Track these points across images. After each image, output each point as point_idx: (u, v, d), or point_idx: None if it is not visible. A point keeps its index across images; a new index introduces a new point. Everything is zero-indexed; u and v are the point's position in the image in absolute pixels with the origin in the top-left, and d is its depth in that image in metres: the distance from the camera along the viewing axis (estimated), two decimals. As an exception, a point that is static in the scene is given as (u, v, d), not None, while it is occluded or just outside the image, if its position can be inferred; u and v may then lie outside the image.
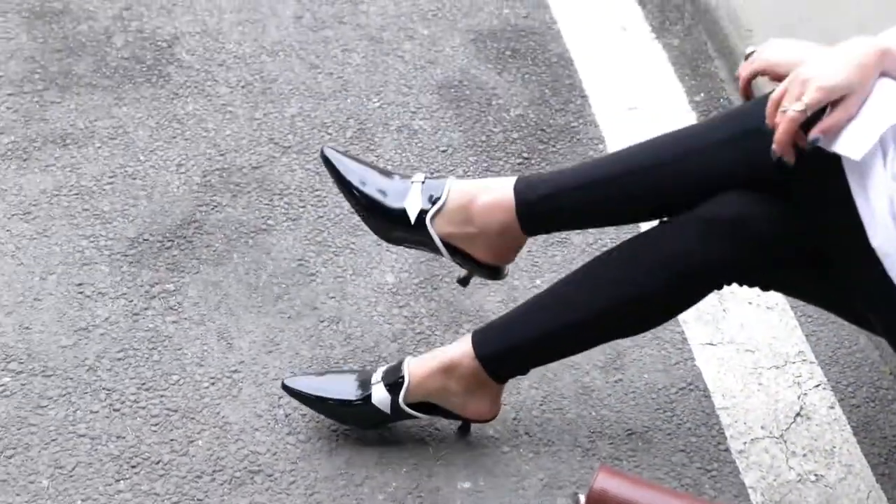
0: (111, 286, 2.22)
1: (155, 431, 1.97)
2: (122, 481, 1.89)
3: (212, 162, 2.52)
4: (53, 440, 1.94)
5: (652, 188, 1.78)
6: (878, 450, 2.00)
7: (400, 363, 1.92)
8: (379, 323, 2.18)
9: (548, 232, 1.89)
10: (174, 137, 2.58)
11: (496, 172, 2.52)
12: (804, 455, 1.98)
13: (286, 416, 2.00)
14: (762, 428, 2.02)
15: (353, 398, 1.93)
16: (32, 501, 1.85)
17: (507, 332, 1.88)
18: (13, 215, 2.37)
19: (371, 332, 2.16)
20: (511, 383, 2.00)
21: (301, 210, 2.41)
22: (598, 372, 2.10)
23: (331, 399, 1.94)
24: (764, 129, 1.61)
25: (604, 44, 2.94)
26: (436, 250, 1.86)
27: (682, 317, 2.15)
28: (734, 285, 1.79)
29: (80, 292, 2.21)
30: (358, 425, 1.97)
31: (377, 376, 1.93)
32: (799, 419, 2.04)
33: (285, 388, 1.96)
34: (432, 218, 1.83)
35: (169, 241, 2.33)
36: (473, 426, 1.99)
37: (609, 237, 2.36)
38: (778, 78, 1.66)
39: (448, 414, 1.93)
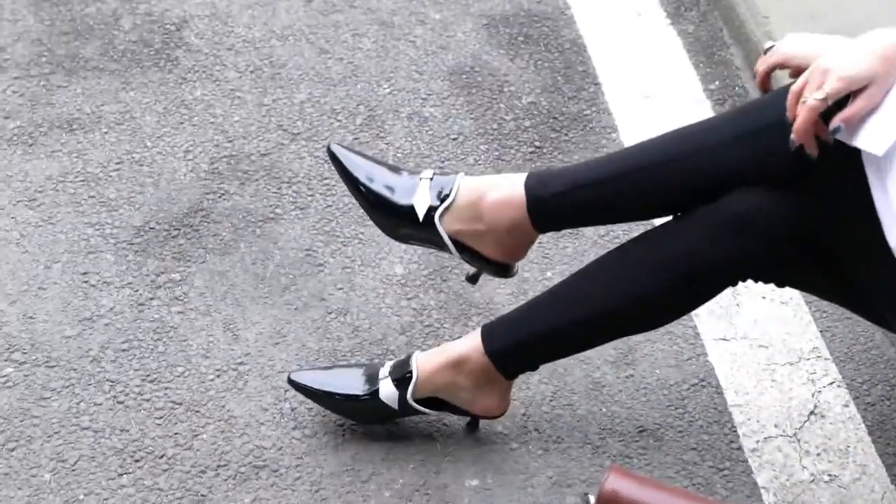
0: (116, 275, 2.20)
1: (159, 425, 1.94)
2: (125, 475, 1.86)
3: (219, 149, 2.49)
4: (56, 433, 1.92)
5: (664, 185, 1.75)
6: (893, 449, 1.96)
7: (408, 358, 1.90)
8: (387, 315, 2.15)
9: (559, 229, 1.86)
10: (182, 123, 2.55)
11: (507, 161, 2.49)
12: (818, 454, 1.95)
13: (292, 409, 1.97)
14: (775, 426, 1.99)
15: (361, 393, 1.90)
16: (34, 496, 1.83)
17: (516, 328, 1.85)
18: (18, 202, 2.34)
19: (379, 325, 2.13)
20: (520, 378, 1.98)
21: (309, 199, 2.38)
22: (608, 367, 2.07)
23: (338, 394, 1.91)
24: (781, 124, 1.58)
25: (618, 30, 2.89)
26: (444, 248, 1.83)
27: (694, 311, 2.12)
28: (749, 280, 1.76)
29: (85, 281, 2.18)
30: (365, 421, 1.94)
31: (385, 371, 1.90)
32: (813, 417, 2.00)
33: (291, 382, 1.93)
34: (441, 215, 1.80)
35: (175, 229, 2.30)
36: (482, 422, 1.96)
37: (622, 229, 2.32)
38: (797, 72, 1.63)
39: (456, 410, 1.91)
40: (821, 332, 2.15)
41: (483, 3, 2.93)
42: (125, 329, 2.09)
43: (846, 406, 2.02)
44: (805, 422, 2.00)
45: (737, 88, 2.71)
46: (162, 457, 1.89)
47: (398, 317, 2.15)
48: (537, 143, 2.54)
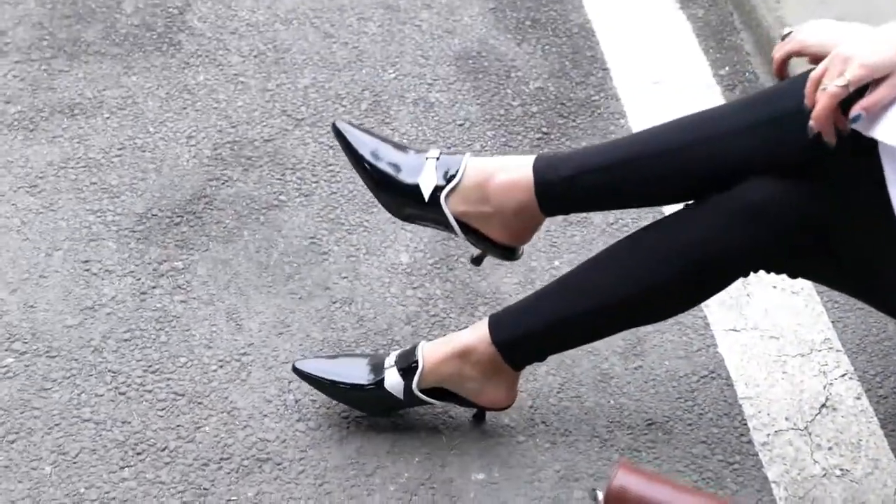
0: (118, 263, 2.17)
1: (161, 416, 1.91)
2: (126, 468, 1.84)
3: (223, 134, 2.46)
4: (57, 425, 1.89)
5: (677, 171, 1.72)
6: (905, 443, 1.94)
7: (414, 347, 1.87)
8: (392, 305, 2.12)
9: (567, 213, 1.83)
10: (184, 108, 2.52)
11: (514, 147, 2.45)
12: (829, 448, 1.92)
13: (296, 401, 1.94)
14: (786, 419, 1.96)
15: (366, 382, 1.88)
16: (34, 489, 1.80)
17: (524, 318, 1.82)
18: (19, 188, 2.31)
19: (384, 314, 2.10)
20: (528, 369, 1.95)
21: (314, 185, 2.35)
22: (617, 358, 2.04)
23: (342, 383, 1.88)
24: (798, 112, 1.56)
25: (626, 14, 2.85)
26: (449, 229, 1.80)
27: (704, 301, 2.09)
28: (760, 271, 1.73)
29: (87, 270, 2.15)
30: (370, 411, 1.92)
31: (390, 360, 1.88)
32: (824, 410, 1.97)
33: (296, 370, 1.90)
34: (447, 196, 1.77)
35: (178, 216, 2.27)
36: (488, 414, 1.93)
37: (630, 217, 2.29)
38: (816, 59, 1.60)
39: (462, 401, 1.88)
40: (832, 322, 2.12)
41: (490, -13, 2.89)
42: (127, 318, 2.07)
43: (858, 398, 1.99)
44: (816, 415, 1.97)
45: (747, 74, 2.67)
46: (164, 449, 1.87)
47: (403, 306, 2.12)
48: (545, 129, 2.51)
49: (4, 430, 1.88)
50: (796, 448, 1.92)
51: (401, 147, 1.83)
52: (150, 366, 1.99)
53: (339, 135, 1.84)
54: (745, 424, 1.95)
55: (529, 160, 1.77)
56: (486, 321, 1.84)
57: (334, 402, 1.92)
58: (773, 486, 1.86)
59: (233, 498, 1.80)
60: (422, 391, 1.86)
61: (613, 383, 2.01)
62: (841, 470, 1.89)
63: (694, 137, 1.70)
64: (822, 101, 1.51)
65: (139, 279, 2.14)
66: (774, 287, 2.16)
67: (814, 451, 1.91)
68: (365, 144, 1.82)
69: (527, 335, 1.81)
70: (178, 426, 1.90)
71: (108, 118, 2.48)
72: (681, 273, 1.71)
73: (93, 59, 2.63)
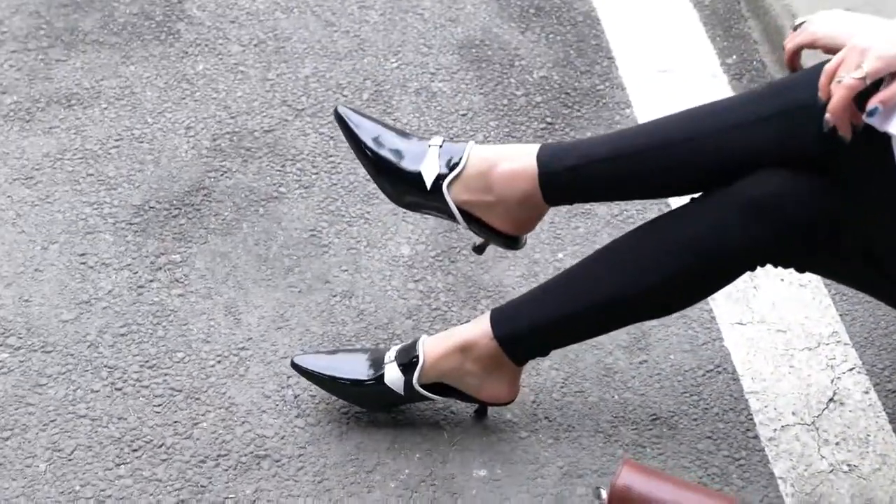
0: (115, 256, 2.14)
1: (158, 413, 1.89)
2: (122, 466, 1.81)
3: (222, 125, 2.42)
4: (52, 421, 1.87)
5: (683, 163, 1.69)
6: (915, 439, 1.91)
7: (414, 342, 1.84)
8: (393, 298, 2.09)
9: (571, 203, 1.80)
10: (183, 98, 2.48)
11: (518, 138, 2.42)
12: (837, 443, 1.88)
13: (295, 397, 1.91)
14: (793, 414, 1.92)
15: (365, 378, 1.85)
16: (29, 486, 1.78)
17: (527, 312, 1.79)
18: (15, 180, 2.28)
19: (385, 308, 2.07)
20: (530, 364, 1.92)
21: (314, 177, 2.32)
22: (621, 352, 2.01)
23: (342, 378, 1.85)
24: (810, 105, 1.53)
25: (632, 2, 2.81)
26: (451, 217, 1.78)
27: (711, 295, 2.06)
28: (768, 265, 1.70)
29: (83, 263, 2.12)
30: (369, 406, 1.89)
31: (390, 355, 1.85)
32: (832, 405, 1.94)
33: (294, 366, 1.88)
34: (449, 184, 1.75)
35: (176, 209, 2.24)
36: (490, 409, 1.90)
37: (636, 208, 2.26)
38: (831, 51, 1.56)
39: (464, 396, 1.85)
40: (840, 315, 2.08)
41: (493, -26, 2.86)
42: (124, 313, 2.04)
43: (866, 393, 1.96)
44: (824, 409, 1.93)
45: (755, 63, 2.63)
46: (161, 446, 1.84)
47: (404, 300, 2.09)
48: (549, 119, 2.47)
49: (-1, 427, 1.86)
50: (803, 443, 1.88)
51: (403, 134, 1.80)
52: (146, 361, 1.96)
53: (340, 120, 1.81)
54: (752, 419, 1.92)
55: (533, 149, 1.74)
56: (487, 315, 1.81)
57: (334, 397, 1.89)
58: (779, 482, 1.83)
59: (231, 496, 1.78)
60: (422, 386, 1.83)
61: (618, 378, 1.97)
62: (848, 465, 1.85)
63: (702, 129, 1.67)
64: (838, 94, 1.47)
65: (136, 273, 2.11)
66: (782, 280, 2.13)
67: (821, 447, 1.88)
68: (367, 130, 1.80)
69: (530, 330, 1.78)
70: (175, 422, 1.87)
71: (105, 108, 2.45)
72: (687, 267, 1.68)
73: (90, 49, 2.59)
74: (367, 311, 2.07)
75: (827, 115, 1.49)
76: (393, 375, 1.83)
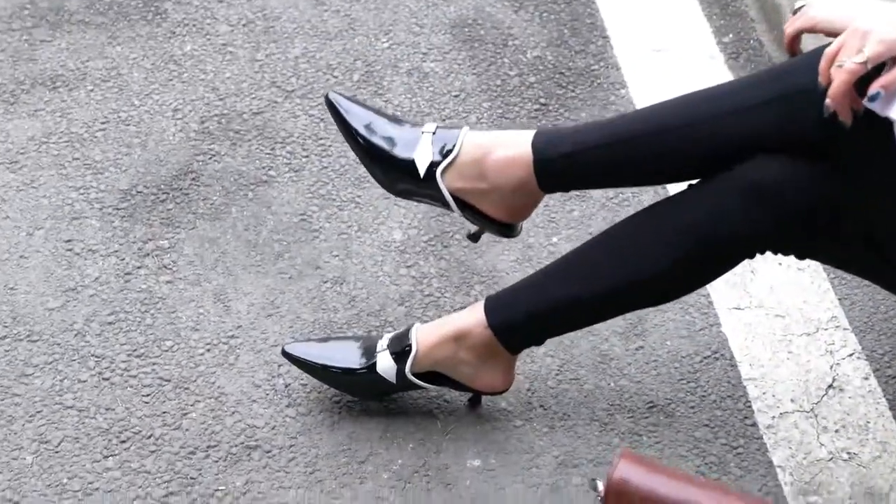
0: (102, 243, 2.10)
1: (146, 403, 1.85)
2: (110, 458, 1.78)
3: (210, 107, 2.38)
4: (39, 412, 1.83)
5: (681, 149, 1.66)
6: (915, 425, 1.88)
7: (407, 330, 1.81)
8: (385, 284, 2.05)
9: (567, 190, 1.78)
10: (171, 80, 2.44)
11: (511, 119, 2.38)
12: (836, 431, 1.86)
13: (286, 386, 1.88)
14: (792, 401, 1.90)
15: (357, 366, 1.82)
16: (15, 479, 1.74)
17: (522, 300, 1.76)
18: (-1, 164, 2.25)
19: (377, 294, 2.04)
20: (525, 351, 1.88)
21: (304, 160, 2.28)
22: (617, 338, 1.98)
23: (333, 367, 1.82)
24: (810, 89, 1.50)
25: (627, -21, 2.78)
26: (445, 205, 1.75)
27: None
28: (767, 252, 1.67)
29: (69, 249, 2.09)
30: (362, 396, 1.86)
31: (383, 343, 1.82)
32: (831, 391, 1.91)
33: (285, 354, 1.84)
34: (443, 172, 1.71)
35: (164, 193, 2.20)
36: (485, 398, 1.87)
37: (631, 191, 2.23)
38: (830, 35, 1.53)
39: (457, 385, 1.82)
40: (839, 299, 2.05)
41: (486, -48, 2.81)
42: (111, 300, 2.00)
43: (866, 379, 1.93)
44: (823, 396, 1.91)
45: (751, 42, 2.60)
46: (149, 437, 1.81)
47: (397, 286, 2.05)
48: (543, 100, 2.43)
49: (-16, 418, 1.83)
50: (802, 431, 1.86)
51: (396, 120, 1.77)
52: (134, 350, 1.93)
53: (331, 107, 1.78)
54: (750, 407, 1.89)
55: (528, 136, 1.71)
56: (481, 303, 1.78)
57: (325, 386, 1.86)
58: (778, 470, 1.80)
59: (220, 487, 1.75)
60: (415, 375, 1.80)
61: (614, 365, 1.94)
62: (848, 453, 1.83)
63: (700, 114, 1.65)
64: (839, 79, 1.45)
65: (123, 259, 2.07)
66: (780, 264, 2.10)
67: (820, 434, 1.85)
68: (358, 117, 1.76)
69: (526, 318, 1.75)
70: (163, 413, 1.84)
71: (91, 90, 2.40)
72: (685, 255, 1.65)
73: (76, 29, 2.55)
74: (358, 297, 2.03)
75: (827, 101, 1.46)
76: (385, 364, 1.80)
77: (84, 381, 1.88)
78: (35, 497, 1.72)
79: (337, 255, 2.10)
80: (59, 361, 1.90)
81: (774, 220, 1.60)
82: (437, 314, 1.99)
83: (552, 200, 2.20)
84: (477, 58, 2.52)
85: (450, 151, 1.72)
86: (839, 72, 1.45)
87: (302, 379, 1.88)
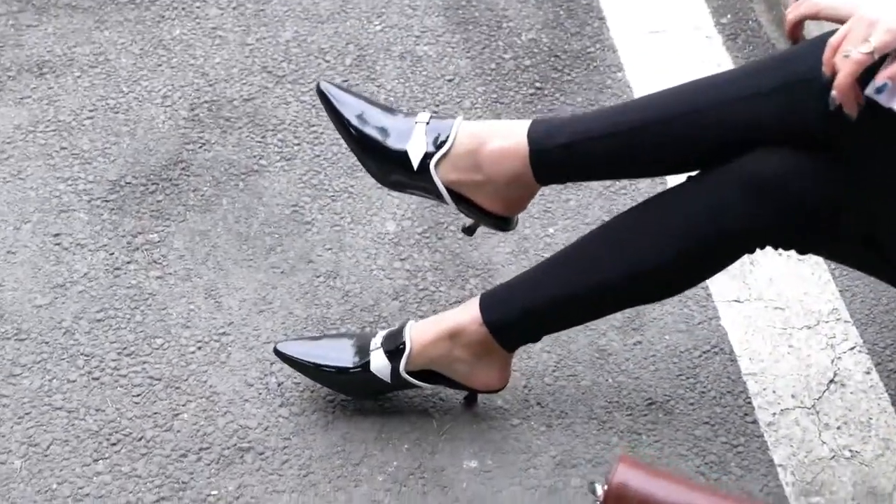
0: (90, 237, 2.06)
1: (137, 403, 1.82)
2: (100, 461, 1.75)
3: (200, 93, 2.34)
4: (27, 414, 1.80)
5: (680, 140, 1.62)
6: (917, 422, 1.85)
7: (401, 328, 1.77)
8: (379, 278, 2.02)
9: (563, 182, 1.74)
10: (159, 65, 2.39)
11: (506, 104, 2.34)
12: (838, 428, 1.83)
13: (279, 384, 1.85)
14: (793, 397, 1.87)
15: (351, 365, 1.78)
16: (4, 484, 1.71)
17: (516, 296, 1.73)
18: (-15, 155, 2.20)
19: (370, 289, 2.00)
20: (521, 347, 1.85)
21: (296, 148, 2.23)
22: (615, 333, 1.95)
23: (327, 366, 1.79)
24: (812, 79, 1.46)
25: (623, -43, 2.73)
26: (439, 198, 1.71)
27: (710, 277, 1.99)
28: (767, 247, 1.63)
29: (58, 244, 2.05)
30: (356, 394, 1.83)
31: (376, 342, 1.78)
32: (832, 386, 1.88)
33: (278, 353, 1.81)
34: (437, 163, 1.67)
35: (153, 184, 2.16)
36: (481, 396, 1.84)
37: (629, 181, 2.18)
38: (835, 22, 1.48)
39: (453, 383, 1.79)
40: (840, 291, 2.02)
41: (480, -70, 2.75)
42: (100, 297, 1.97)
43: (868, 373, 1.90)
44: (824, 391, 1.88)
45: (750, 23, 2.55)
46: (140, 439, 1.77)
47: (391, 280, 2.02)
48: (538, 84, 2.39)
49: (-29, 421, 1.79)
50: (803, 428, 1.83)
51: (389, 110, 1.73)
52: (124, 348, 1.89)
53: (322, 97, 1.74)
54: (750, 403, 1.86)
55: (524, 126, 1.67)
56: (476, 300, 1.75)
57: (318, 385, 1.83)
58: (779, 469, 1.77)
59: (213, 492, 1.72)
60: (410, 373, 1.77)
61: (611, 360, 1.91)
62: (850, 451, 1.80)
63: (699, 104, 1.60)
64: (845, 69, 1.40)
65: (112, 253, 2.03)
66: (779, 255, 2.07)
67: (822, 432, 1.83)
68: (350, 107, 1.72)
69: (522, 315, 1.72)
70: (154, 413, 1.81)
71: (78, 77, 2.36)
72: (684, 249, 1.62)
73: (63, 13, 2.50)
74: (352, 291, 2.00)
75: (833, 93, 1.42)
76: (379, 363, 1.77)
77: (73, 381, 1.84)
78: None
79: (330, 249, 2.06)
80: (48, 361, 1.87)
81: (775, 213, 1.56)
82: (432, 309, 1.96)
83: (548, 190, 2.16)
84: (471, 41, 2.48)
85: (444, 142, 1.68)
86: (845, 62, 1.40)
87: (295, 377, 1.85)
